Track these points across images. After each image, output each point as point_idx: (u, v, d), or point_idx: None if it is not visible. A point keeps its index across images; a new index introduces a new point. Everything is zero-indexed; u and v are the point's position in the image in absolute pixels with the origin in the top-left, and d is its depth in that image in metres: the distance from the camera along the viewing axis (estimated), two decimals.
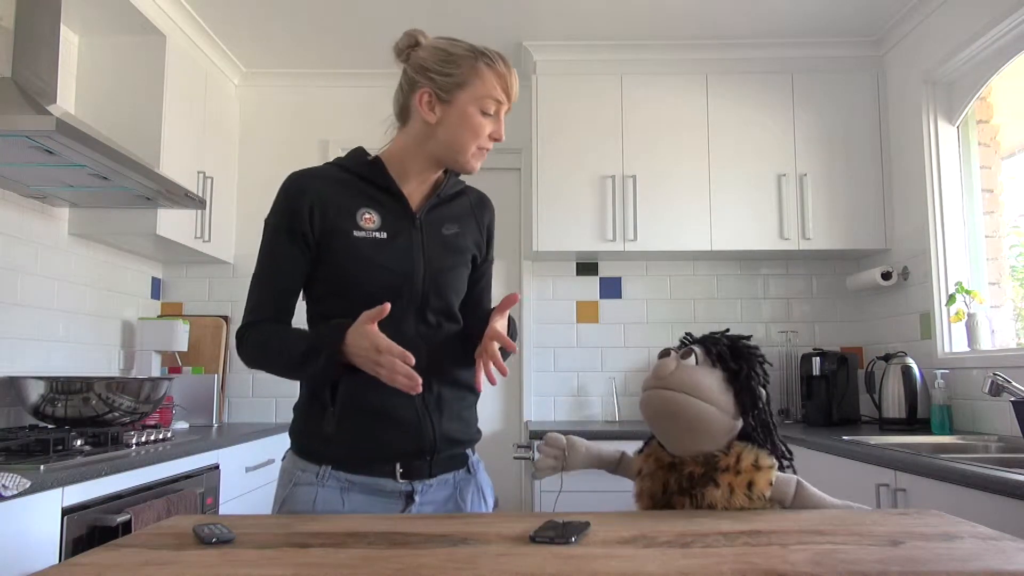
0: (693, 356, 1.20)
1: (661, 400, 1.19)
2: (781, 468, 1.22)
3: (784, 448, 1.23)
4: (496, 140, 1.37)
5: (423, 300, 1.35)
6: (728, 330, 1.28)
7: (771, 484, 1.17)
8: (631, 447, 1.39)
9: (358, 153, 1.42)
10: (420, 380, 1.18)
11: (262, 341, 1.32)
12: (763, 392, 1.19)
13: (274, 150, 3.69)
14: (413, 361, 1.17)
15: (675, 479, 1.22)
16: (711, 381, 1.18)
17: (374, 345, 1.18)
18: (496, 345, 1.28)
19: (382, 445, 1.32)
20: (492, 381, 1.28)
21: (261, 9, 3.12)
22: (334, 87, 3.74)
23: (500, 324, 1.30)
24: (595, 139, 3.35)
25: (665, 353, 1.24)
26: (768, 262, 3.62)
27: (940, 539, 0.97)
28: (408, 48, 1.37)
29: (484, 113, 1.34)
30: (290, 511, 1.31)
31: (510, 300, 1.30)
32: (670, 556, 0.90)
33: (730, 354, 1.20)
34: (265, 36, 3.35)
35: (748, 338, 1.25)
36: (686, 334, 1.29)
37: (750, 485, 1.16)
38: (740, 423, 1.21)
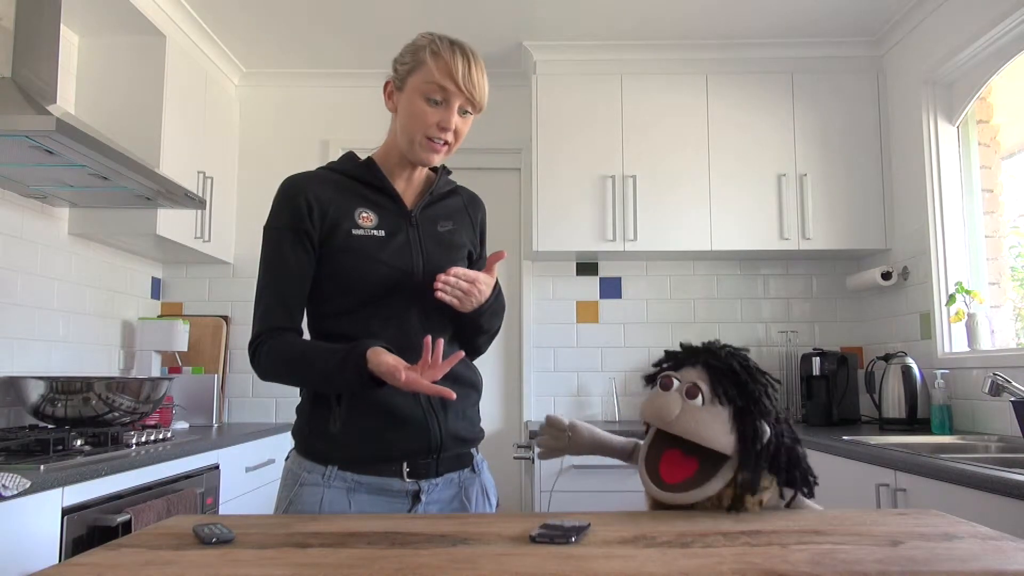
0: (700, 395, 1.08)
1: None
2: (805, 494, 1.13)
3: (802, 476, 1.11)
4: (445, 129, 1.33)
5: (423, 296, 1.35)
6: (726, 346, 1.15)
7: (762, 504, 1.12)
8: None
9: (349, 156, 1.45)
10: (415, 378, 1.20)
11: (285, 358, 1.31)
12: (766, 427, 1.08)
13: (274, 150, 3.69)
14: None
15: None
16: (718, 426, 1.07)
17: (388, 370, 1.20)
18: (455, 273, 1.29)
19: (389, 444, 1.32)
20: (443, 296, 1.29)
21: (261, 9, 3.12)
22: (334, 87, 3.73)
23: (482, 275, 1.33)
24: (595, 139, 3.35)
25: (665, 384, 1.13)
26: (768, 262, 3.61)
27: (940, 539, 0.97)
28: None
29: (430, 101, 1.32)
30: (296, 512, 1.30)
31: (496, 256, 1.33)
32: (670, 556, 0.89)
33: (738, 391, 1.08)
34: (265, 36, 3.35)
35: (745, 351, 1.15)
36: (681, 345, 1.19)
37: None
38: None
